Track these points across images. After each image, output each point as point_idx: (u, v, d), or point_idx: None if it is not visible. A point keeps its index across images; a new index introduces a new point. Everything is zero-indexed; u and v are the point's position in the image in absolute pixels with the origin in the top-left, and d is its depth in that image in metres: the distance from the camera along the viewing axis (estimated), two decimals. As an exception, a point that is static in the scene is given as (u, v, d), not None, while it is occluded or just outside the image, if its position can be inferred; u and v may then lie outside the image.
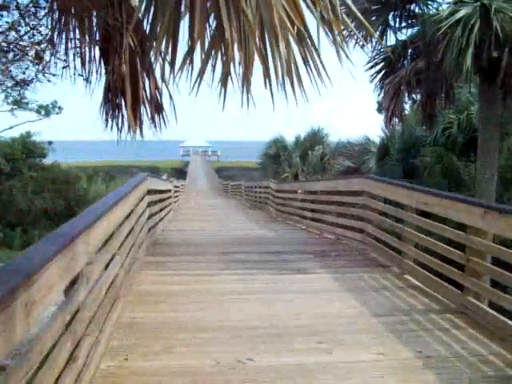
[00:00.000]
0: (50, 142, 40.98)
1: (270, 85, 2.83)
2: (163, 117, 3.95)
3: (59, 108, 46.63)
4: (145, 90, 3.83)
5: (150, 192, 9.62)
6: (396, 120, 9.47)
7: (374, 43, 9.32)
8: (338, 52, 2.79)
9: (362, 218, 8.73)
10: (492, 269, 4.97)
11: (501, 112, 9.26)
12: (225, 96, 2.93)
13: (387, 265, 7.49)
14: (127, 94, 3.58)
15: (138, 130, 4.11)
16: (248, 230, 12.53)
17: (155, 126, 3.99)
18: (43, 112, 45.61)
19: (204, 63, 2.81)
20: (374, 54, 9.51)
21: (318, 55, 2.91)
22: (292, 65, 2.81)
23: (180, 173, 65.92)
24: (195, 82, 2.81)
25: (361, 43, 8.30)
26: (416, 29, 9.33)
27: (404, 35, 9.40)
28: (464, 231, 5.40)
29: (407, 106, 14.71)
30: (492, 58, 7.78)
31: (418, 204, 6.49)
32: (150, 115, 3.93)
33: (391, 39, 9.32)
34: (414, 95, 10.23)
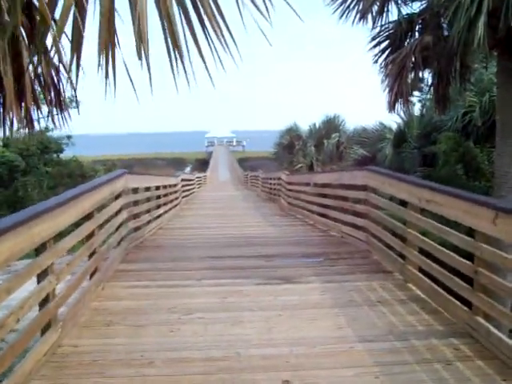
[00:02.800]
0: (68, 137, 40.68)
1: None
2: (62, 107, 3.08)
3: (77, 102, 46.46)
4: (37, 76, 2.97)
5: (134, 190, 8.83)
6: (401, 103, 8.41)
7: (376, 19, 8.25)
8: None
9: (366, 215, 7.75)
10: (504, 286, 3.97)
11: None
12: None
13: (390, 270, 6.53)
14: (7, 79, 2.73)
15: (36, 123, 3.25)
16: (250, 228, 11.61)
17: (52, 118, 3.12)
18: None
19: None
20: (378, 30, 8.48)
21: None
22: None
23: (205, 164, 65.67)
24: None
25: (358, 17, 7.33)
26: (425, 1, 8.25)
27: (410, 8, 8.33)
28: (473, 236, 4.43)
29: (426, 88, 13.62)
30: (511, 29, 6.67)
31: (420, 201, 5.50)
32: (47, 105, 3.07)
33: (395, 13, 8.23)
34: (425, 75, 9.15)
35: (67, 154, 36.16)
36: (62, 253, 4.68)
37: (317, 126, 26.14)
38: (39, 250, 4.14)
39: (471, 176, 9.70)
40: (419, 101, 18.40)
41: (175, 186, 15.90)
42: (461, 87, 9.00)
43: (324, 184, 10.89)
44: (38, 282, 4.15)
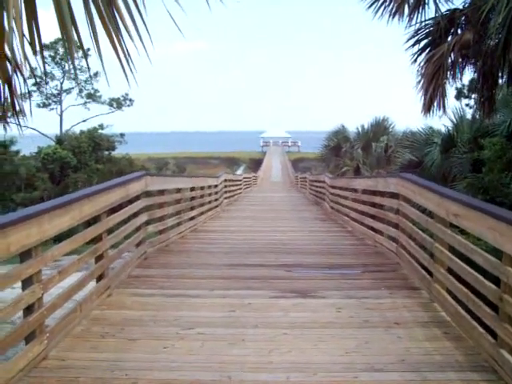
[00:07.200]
0: (122, 134, 41.50)
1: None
2: (14, 107, 2.77)
3: (130, 100, 47.35)
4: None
5: (159, 192, 8.60)
6: (435, 106, 7.76)
7: (412, 15, 7.66)
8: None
9: (398, 225, 7.23)
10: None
11: None
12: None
13: (417, 287, 6.01)
14: None
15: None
16: (282, 233, 11.13)
17: (3, 118, 2.83)
18: (115, 105, 46.52)
19: None
20: (417, 28, 7.88)
21: None
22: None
23: (259, 164, 65.54)
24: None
25: (393, 12, 6.81)
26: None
27: (451, 4, 7.69)
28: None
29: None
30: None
31: (448, 215, 4.97)
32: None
33: (433, 9, 7.60)
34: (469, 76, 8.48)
35: (120, 151, 36.79)
36: (52, 260, 4.46)
37: (365, 128, 25.38)
38: (23, 257, 3.91)
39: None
40: (474, 103, 17.38)
41: (215, 186, 15.64)
42: (509, 89, 8.32)
43: (361, 190, 10.38)
44: (23, 290, 3.93)
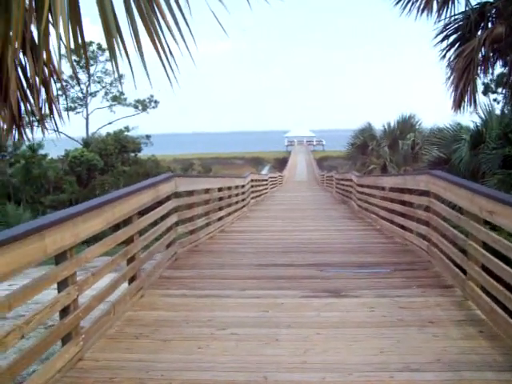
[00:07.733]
0: (148, 136, 41.87)
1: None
2: (52, 110, 2.81)
3: (155, 102, 47.72)
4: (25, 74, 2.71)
5: (188, 193, 8.66)
6: (466, 102, 7.64)
7: (441, 9, 7.56)
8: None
9: (428, 223, 7.16)
10: None
11: None
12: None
13: (450, 285, 5.93)
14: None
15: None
16: (311, 232, 11.14)
17: (41, 121, 2.86)
18: (140, 107, 46.95)
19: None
20: (446, 22, 7.78)
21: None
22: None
23: (284, 163, 65.50)
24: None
25: (421, 7, 6.73)
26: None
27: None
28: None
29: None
30: None
31: (481, 212, 4.90)
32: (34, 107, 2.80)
33: (463, 3, 7.50)
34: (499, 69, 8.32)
35: (146, 153, 37.11)
36: (87, 262, 4.51)
37: (391, 125, 25.12)
38: (58, 259, 3.97)
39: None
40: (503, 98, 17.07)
41: (242, 187, 15.67)
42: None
43: (389, 188, 10.31)
44: (59, 292, 3.99)
